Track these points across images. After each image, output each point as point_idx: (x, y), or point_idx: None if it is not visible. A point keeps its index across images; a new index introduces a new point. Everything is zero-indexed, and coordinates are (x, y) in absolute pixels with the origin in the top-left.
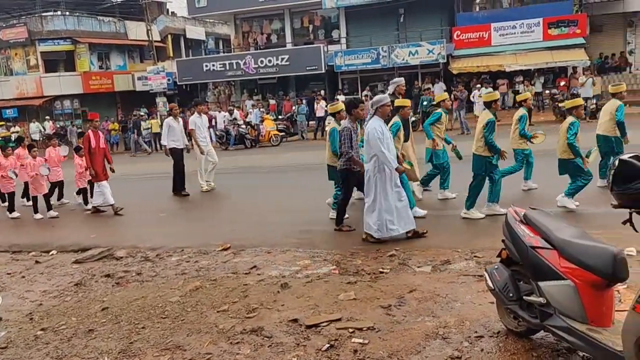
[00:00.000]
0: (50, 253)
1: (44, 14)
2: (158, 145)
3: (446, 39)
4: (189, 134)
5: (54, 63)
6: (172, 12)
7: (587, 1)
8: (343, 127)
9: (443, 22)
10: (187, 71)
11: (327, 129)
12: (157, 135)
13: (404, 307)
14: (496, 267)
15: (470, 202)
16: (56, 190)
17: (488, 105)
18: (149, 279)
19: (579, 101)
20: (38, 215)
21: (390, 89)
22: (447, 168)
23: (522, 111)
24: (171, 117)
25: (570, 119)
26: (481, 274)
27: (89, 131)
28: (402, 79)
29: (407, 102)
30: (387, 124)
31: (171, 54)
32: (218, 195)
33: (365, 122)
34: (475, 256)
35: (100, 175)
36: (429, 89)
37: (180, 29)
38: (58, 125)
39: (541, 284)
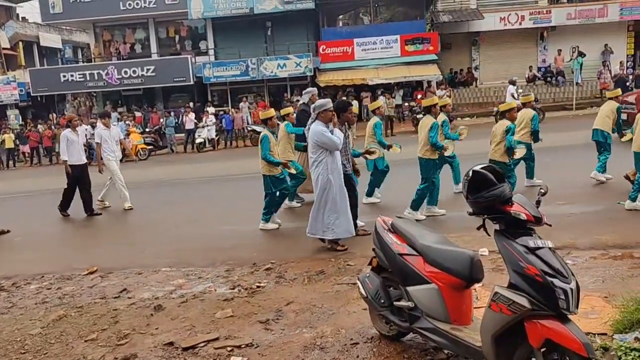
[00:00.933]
0: None
1: None
2: (10, 162)
3: (312, 52)
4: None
5: None
6: (23, 18)
7: (438, 21)
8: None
9: (309, 36)
10: (42, 81)
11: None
12: (11, 151)
13: (282, 321)
14: (368, 275)
15: (417, 204)
16: None
17: (427, 110)
18: (4, 311)
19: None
20: None
21: (305, 97)
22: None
23: (376, 119)
24: (69, 129)
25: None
26: (354, 282)
27: None
28: (315, 88)
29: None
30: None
31: (23, 63)
32: (81, 216)
33: (307, 127)
34: (347, 264)
35: None
36: (298, 101)
37: (33, 35)
38: None
39: (409, 288)
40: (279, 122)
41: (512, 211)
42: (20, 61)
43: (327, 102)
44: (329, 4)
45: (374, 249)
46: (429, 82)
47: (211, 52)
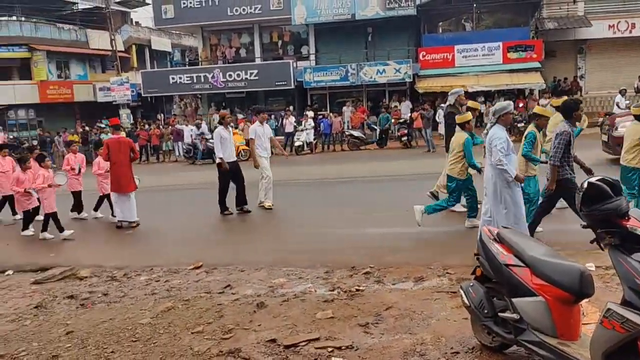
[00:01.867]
0: (6, 273)
1: None
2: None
3: (412, 58)
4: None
5: (8, 70)
6: (137, 22)
7: (543, 28)
8: (562, 130)
9: (410, 42)
10: (152, 83)
11: (461, 140)
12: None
13: (381, 325)
14: (471, 284)
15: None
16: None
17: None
18: (116, 300)
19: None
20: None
21: (451, 99)
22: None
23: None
24: (222, 127)
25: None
26: (454, 291)
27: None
28: (462, 89)
29: (470, 116)
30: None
31: (135, 65)
32: (186, 211)
33: (486, 130)
34: (447, 272)
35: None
36: (396, 107)
37: (145, 39)
38: (11, 137)
39: (515, 300)
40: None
41: (628, 226)
42: (132, 63)
43: (508, 105)
44: (430, 10)
45: (478, 258)
46: (531, 90)
47: (312, 57)
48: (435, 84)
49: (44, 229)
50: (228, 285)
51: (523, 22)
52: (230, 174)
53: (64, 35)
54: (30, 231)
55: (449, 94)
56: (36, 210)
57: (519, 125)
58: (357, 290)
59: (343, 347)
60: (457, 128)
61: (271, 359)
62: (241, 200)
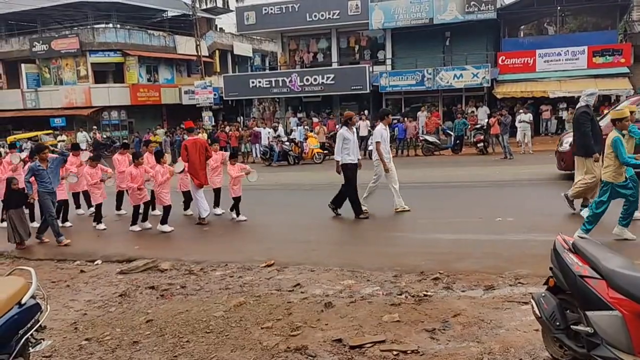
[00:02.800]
0: (95, 263)
1: (95, 26)
2: None
3: (491, 63)
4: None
5: (103, 74)
6: (221, 29)
7: (632, 31)
8: None
9: (488, 46)
10: (234, 87)
11: (608, 140)
12: (160, 153)
13: (448, 332)
14: (543, 294)
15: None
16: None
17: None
18: (193, 293)
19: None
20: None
21: (590, 99)
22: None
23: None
24: (346, 128)
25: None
26: (526, 301)
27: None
28: (597, 90)
29: (627, 112)
30: None
31: (218, 69)
32: (260, 211)
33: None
34: (519, 282)
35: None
36: (472, 112)
37: (228, 45)
38: (104, 136)
39: (589, 313)
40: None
41: None
42: (216, 68)
43: None
44: (511, 14)
45: (551, 268)
46: (617, 97)
47: (388, 61)
48: (515, 89)
49: (164, 222)
50: (298, 284)
51: (610, 25)
52: (355, 176)
53: (154, 41)
54: (138, 227)
55: (585, 94)
56: (147, 205)
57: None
58: (425, 295)
59: (408, 352)
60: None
61: (337, 359)
62: (339, 203)
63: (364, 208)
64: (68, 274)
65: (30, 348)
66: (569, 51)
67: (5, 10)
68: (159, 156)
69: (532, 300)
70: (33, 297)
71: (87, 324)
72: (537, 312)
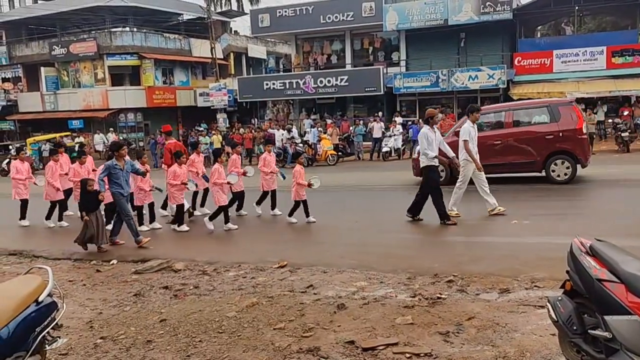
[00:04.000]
0: (111, 263)
1: (112, 30)
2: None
3: (507, 64)
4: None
5: (120, 77)
6: (235, 31)
7: None
8: None
9: (504, 47)
10: (248, 89)
11: None
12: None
13: (462, 335)
14: (560, 298)
15: None
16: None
17: None
18: (206, 293)
19: None
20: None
21: None
22: None
23: None
24: (428, 127)
25: None
26: (542, 305)
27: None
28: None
29: None
30: None
31: (233, 72)
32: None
33: None
34: (535, 286)
35: None
36: None
37: (242, 47)
38: (121, 138)
39: (607, 318)
40: None
41: None
42: (230, 70)
43: None
44: (527, 14)
45: (568, 272)
46: (637, 98)
47: (402, 63)
48: (531, 90)
49: (227, 220)
50: (311, 285)
51: (630, 24)
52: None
53: (169, 44)
54: (185, 227)
55: None
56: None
57: (622, 134)
58: (439, 297)
59: (422, 354)
60: None
61: None
62: (417, 210)
63: (454, 212)
64: (85, 273)
65: (46, 345)
66: (587, 51)
67: (26, 15)
68: (217, 155)
69: (548, 303)
70: (50, 295)
71: (103, 322)
72: (553, 315)
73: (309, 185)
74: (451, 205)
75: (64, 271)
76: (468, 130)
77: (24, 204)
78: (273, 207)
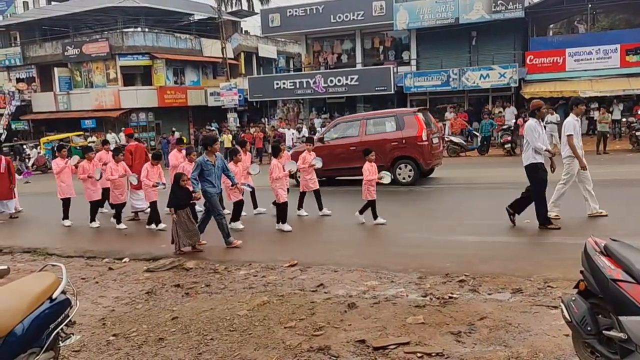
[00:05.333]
0: (123, 261)
1: (124, 30)
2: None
3: (519, 63)
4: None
5: (132, 77)
6: (246, 31)
7: None
8: None
9: (516, 46)
10: (258, 88)
11: None
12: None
13: (474, 335)
14: (573, 298)
15: None
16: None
17: None
18: (217, 291)
19: None
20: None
21: None
22: None
23: None
24: (534, 119)
25: None
26: (555, 305)
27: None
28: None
29: None
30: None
31: (243, 71)
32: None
33: None
34: (548, 286)
35: None
36: (500, 112)
37: (252, 47)
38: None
39: (622, 318)
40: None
41: None
42: (241, 70)
43: None
44: (539, 13)
45: (582, 272)
46: None
47: (413, 62)
48: (543, 89)
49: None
50: (321, 284)
51: None
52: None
53: (181, 44)
54: (240, 224)
55: None
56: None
57: (637, 133)
58: (450, 297)
59: (433, 354)
60: None
61: (360, 359)
62: (520, 208)
63: (554, 214)
64: (97, 271)
65: (60, 342)
66: (601, 50)
67: (40, 16)
68: (276, 153)
69: (561, 304)
70: (64, 292)
71: (115, 320)
72: (567, 316)
73: (379, 180)
74: (551, 207)
75: (77, 269)
76: (573, 124)
77: (66, 202)
78: (320, 207)
